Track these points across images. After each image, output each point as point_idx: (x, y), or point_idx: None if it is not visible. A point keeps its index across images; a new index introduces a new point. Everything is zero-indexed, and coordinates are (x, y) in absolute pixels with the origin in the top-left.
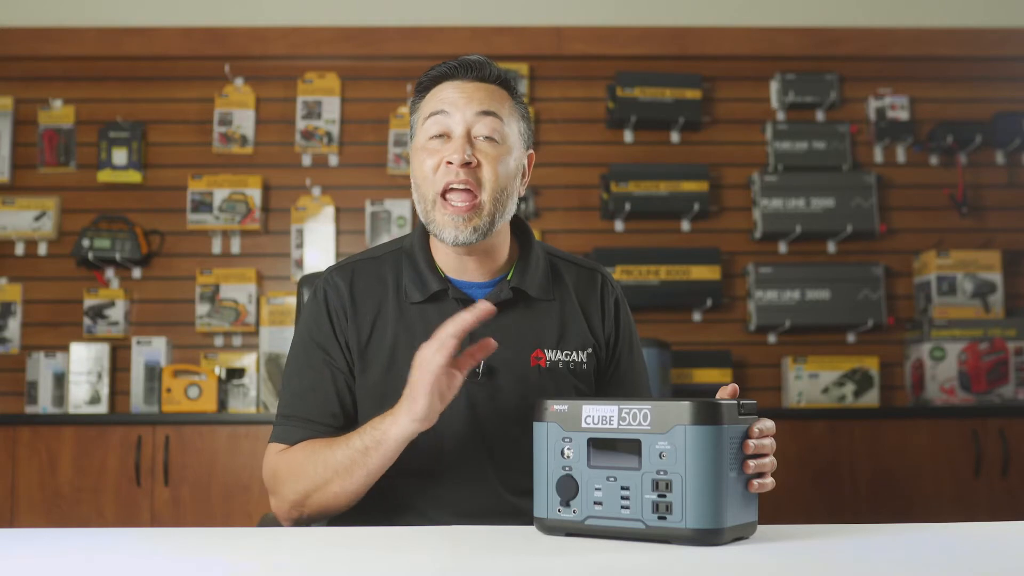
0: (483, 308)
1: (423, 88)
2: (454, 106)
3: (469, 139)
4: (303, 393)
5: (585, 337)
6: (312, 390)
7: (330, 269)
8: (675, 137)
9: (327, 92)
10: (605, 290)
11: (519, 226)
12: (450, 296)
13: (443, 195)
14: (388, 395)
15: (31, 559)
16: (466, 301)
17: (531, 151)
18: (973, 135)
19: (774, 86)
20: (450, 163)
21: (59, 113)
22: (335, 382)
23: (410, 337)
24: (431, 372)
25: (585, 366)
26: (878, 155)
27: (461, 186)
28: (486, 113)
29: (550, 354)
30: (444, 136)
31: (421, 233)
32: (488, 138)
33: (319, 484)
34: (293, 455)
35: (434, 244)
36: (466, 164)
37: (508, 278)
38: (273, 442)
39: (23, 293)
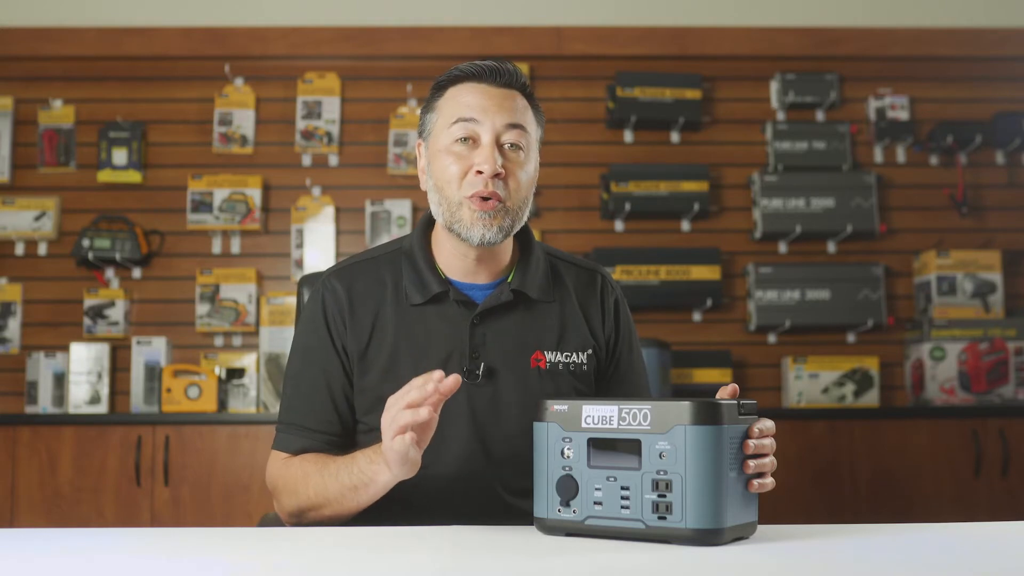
0: (448, 383)
1: (442, 85)
2: (484, 113)
3: (497, 148)
4: (300, 401)
5: (585, 338)
6: (308, 398)
7: (328, 273)
8: (675, 137)
9: (327, 92)
10: (605, 291)
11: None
12: (451, 298)
13: (468, 197)
14: (386, 397)
15: (31, 559)
16: (467, 303)
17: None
18: (973, 135)
19: (774, 86)
20: (479, 172)
21: (59, 113)
22: (331, 390)
23: (410, 339)
24: (401, 450)
25: (585, 367)
26: (878, 155)
27: (488, 195)
28: (514, 125)
29: (550, 356)
30: (469, 140)
31: (421, 234)
32: (514, 146)
33: (314, 506)
34: (291, 471)
35: (436, 245)
36: (496, 175)
37: (508, 280)
38: (275, 449)
39: (23, 293)
